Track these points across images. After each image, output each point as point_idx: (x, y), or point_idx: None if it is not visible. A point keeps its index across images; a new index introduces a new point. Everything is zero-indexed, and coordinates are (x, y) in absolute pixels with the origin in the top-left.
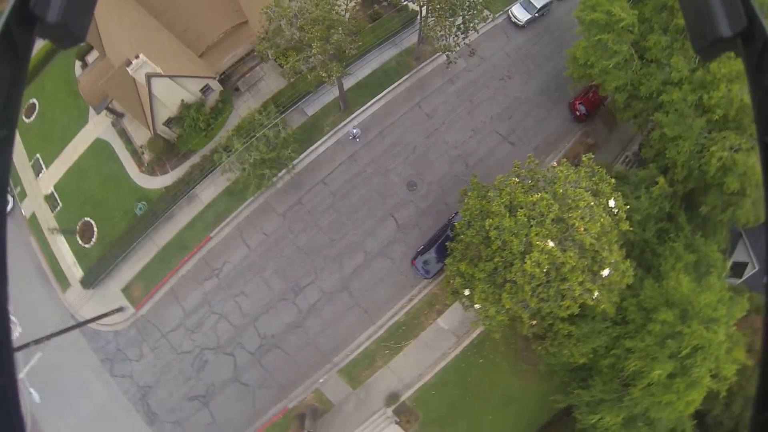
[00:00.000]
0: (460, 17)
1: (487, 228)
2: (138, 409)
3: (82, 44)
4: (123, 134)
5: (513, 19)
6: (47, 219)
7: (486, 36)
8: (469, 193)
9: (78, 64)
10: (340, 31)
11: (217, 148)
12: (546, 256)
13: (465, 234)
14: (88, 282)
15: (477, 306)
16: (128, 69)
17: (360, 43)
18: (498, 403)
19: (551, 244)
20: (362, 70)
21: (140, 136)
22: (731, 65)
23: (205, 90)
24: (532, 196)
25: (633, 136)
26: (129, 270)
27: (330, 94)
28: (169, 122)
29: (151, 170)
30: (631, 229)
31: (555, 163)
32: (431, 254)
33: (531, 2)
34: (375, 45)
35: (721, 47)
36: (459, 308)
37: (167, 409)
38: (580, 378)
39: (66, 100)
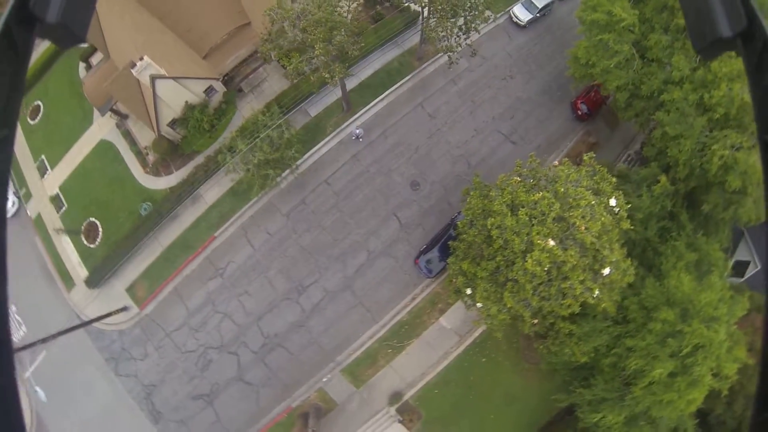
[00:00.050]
0: (462, 18)
1: (489, 227)
2: (142, 407)
3: (83, 45)
4: (127, 135)
5: (514, 19)
6: (52, 219)
7: (488, 36)
8: (472, 193)
9: (82, 65)
10: (343, 33)
11: (221, 149)
12: (547, 255)
13: (467, 233)
14: (92, 282)
15: (479, 305)
16: (133, 71)
17: (362, 44)
18: (500, 402)
19: (552, 242)
20: (365, 71)
21: (144, 137)
22: (732, 64)
23: (209, 91)
24: (533, 195)
25: (635, 134)
26: (133, 270)
27: (333, 95)
28: (173, 123)
29: (156, 171)
30: (631, 227)
31: (556, 163)
32: (434, 253)
33: (532, 2)
34: (377, 46)
35: (722, 47)
36: (461, 307)
37: (171, 407)
38: (582, 377)
39: (70, 101)
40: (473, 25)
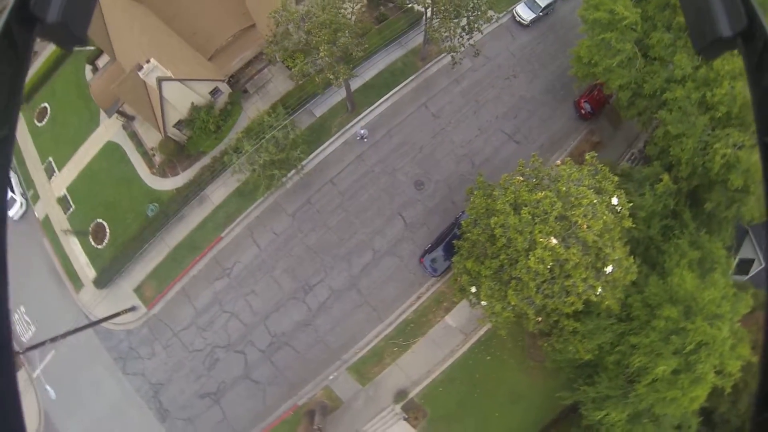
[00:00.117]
0: (465, 18)
1: (493, 226)
2: (150, 406)
3: (88, 48)
4: (134, 137)
5: (517, 19)
6: (60, 221)
7: (491, 36)
8: (475, 192)
9: (88, 68)
10: (347, 34)
11: (227, 150)
12: (549, 253)
13: (471, 232)
14: (100, 282)
15: (483, 303)
16: (139, 73)
17: (366, 45)
18: (505, 400)
19: (554, 241)
20: (369, 71)
21: (151, 138)
22: (734, 62)
23: (215, 92)
24: (536, 194)
25: (638, 133)
26: (141, 270)
27: (337, 96)
28: (179, 124)
29: (162, 172)
30: (634, 226)
31: (559, 162)
32: (439, 252)
33: (535, 1)
34: (381, 46)
35: (722, 47)
36: (466, 306)
37: (179, 406)
38: (586, 374)
39: (77, 103)
40: (476, 25)
